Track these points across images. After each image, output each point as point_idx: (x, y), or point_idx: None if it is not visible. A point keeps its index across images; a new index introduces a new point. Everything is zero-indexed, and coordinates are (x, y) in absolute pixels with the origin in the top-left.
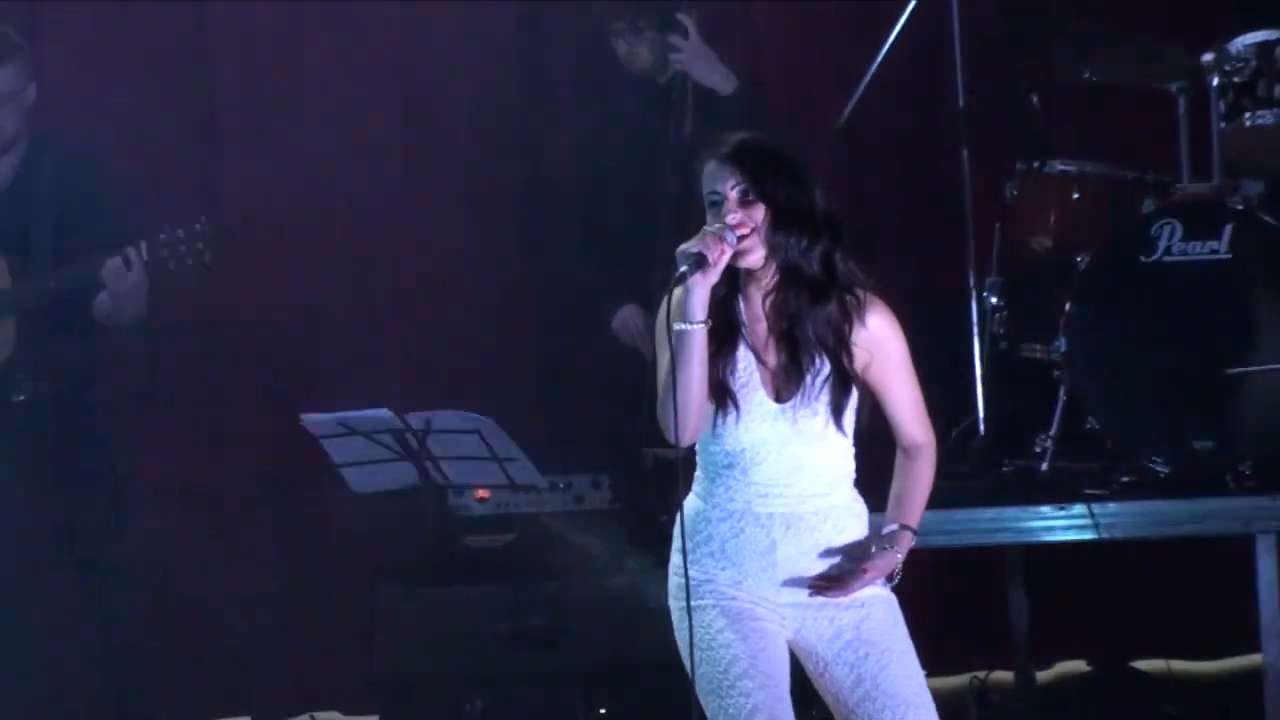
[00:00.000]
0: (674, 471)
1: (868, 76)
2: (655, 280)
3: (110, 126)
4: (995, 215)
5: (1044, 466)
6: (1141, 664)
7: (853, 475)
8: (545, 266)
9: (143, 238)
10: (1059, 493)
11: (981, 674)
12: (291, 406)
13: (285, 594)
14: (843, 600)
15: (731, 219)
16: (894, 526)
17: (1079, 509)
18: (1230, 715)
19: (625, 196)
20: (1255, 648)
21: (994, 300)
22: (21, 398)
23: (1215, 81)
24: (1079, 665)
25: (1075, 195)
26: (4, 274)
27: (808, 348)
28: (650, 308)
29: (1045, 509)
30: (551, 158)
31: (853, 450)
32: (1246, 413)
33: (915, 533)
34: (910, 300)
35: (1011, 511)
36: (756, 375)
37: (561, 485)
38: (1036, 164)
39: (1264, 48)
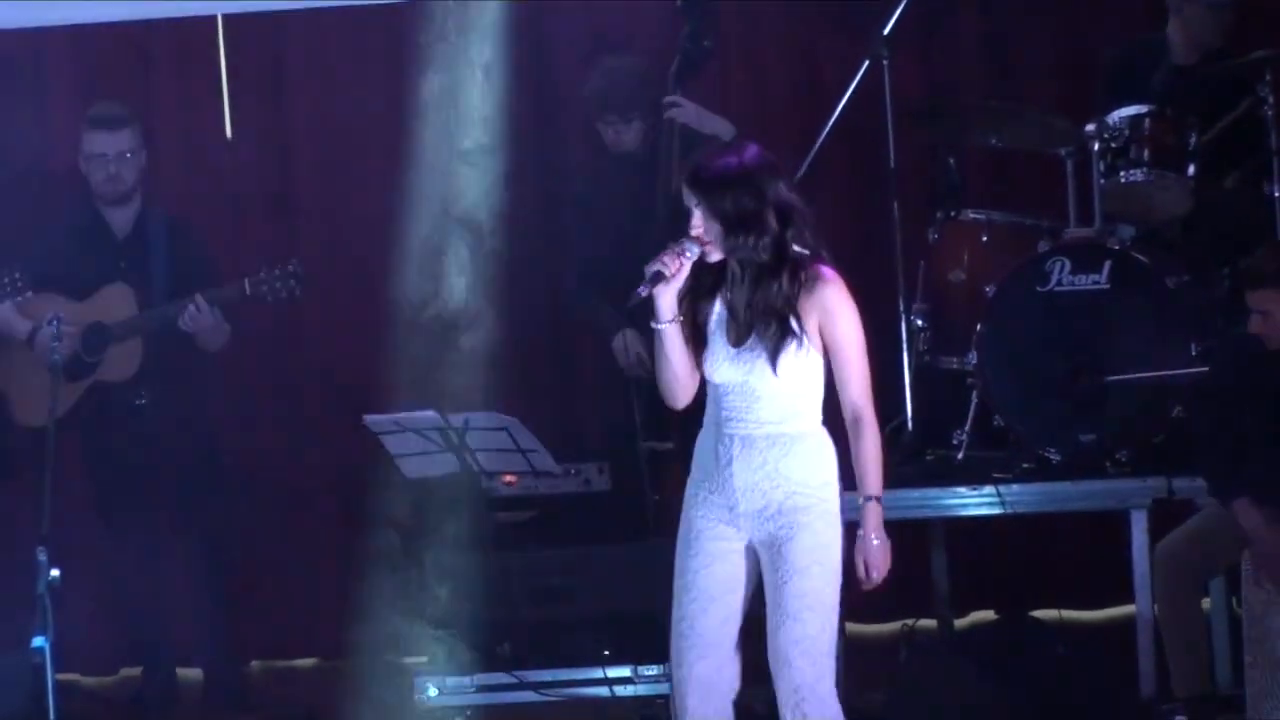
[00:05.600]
0: (667, 460)
1: (820, 140)
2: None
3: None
4: (920, 254)
5: (960, 456)
6: (1038, 613)
7: (809, 413)
8: (559, 300)
9: (224, 281)
10: (972, 476)
11: (910, 621)
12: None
13: (348, 559)
14: (784, 514)
15: (694, 231)
16: (860, 501)
17: (988, 489)
18: (1109, 653)
19: (620, 241)
20: (1129, 600)
21: (919, 322)
22: (143, 401)
23: (1096, 146)
24: (988, 614)
25: (984, 238)
26: (132, 303)
27: (759, 311)
28: (645, 333)
29: (961, 489)
30: (554, 211)
31: (810, 392)
32: (1122, 412)
33: (878, 499)
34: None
35: (934, 491)
36: (725, 324)
37: (573, 472)
38: (953, 213)
39: (1135, 120)
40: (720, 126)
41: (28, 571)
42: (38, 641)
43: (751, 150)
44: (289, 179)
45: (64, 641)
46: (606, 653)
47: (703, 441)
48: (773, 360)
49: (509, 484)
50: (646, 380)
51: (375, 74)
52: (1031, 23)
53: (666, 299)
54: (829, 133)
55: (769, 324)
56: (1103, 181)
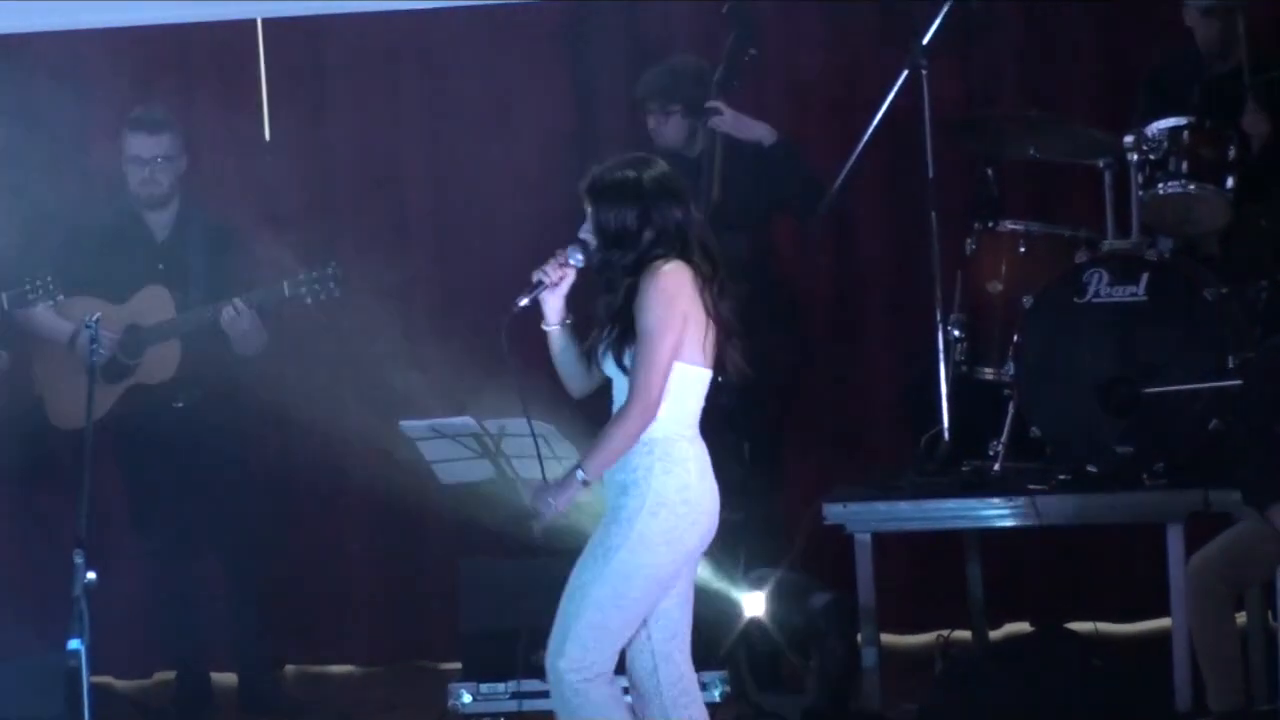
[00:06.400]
0: None
1: (858, 149)
2: None
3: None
4: (958, 264)
5: (996, 467)
6: (1073, 625)
7: (654, 428)
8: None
9: (263, 284)
10: (1008, 488)
11: (945, 632)
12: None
13: (386, 565)
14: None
15: (582, 235)
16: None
17: (1024, 501)
18: (1144, 666)
19: None
20: (1165, 613)
21: (956, 333)
22: (180, 404)
23: (1135, 158)
24: (1023, 626)
25: (1022, 249)
26: (170, 306)
27: (608, 312)
28: None
29: (997, 500)
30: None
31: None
32: (1159, 425)
33: (580, 471)
34: (892, 331)
35: (970, 502)
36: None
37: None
38: (991, 224)
39: (1174, 132)
40: (760, 132)
41: (64, 574)
42: (73, 644)
43: (654, 169)
44: (328, 182)
45: (99, 644)
46: None
47: None
48: (617, 358)
49: None
50: None
51: (412, 78)
52: (1071, 34)
53: (551, 304)
54: (867, 142)
55: (609, 327)
56: (1141, 193)
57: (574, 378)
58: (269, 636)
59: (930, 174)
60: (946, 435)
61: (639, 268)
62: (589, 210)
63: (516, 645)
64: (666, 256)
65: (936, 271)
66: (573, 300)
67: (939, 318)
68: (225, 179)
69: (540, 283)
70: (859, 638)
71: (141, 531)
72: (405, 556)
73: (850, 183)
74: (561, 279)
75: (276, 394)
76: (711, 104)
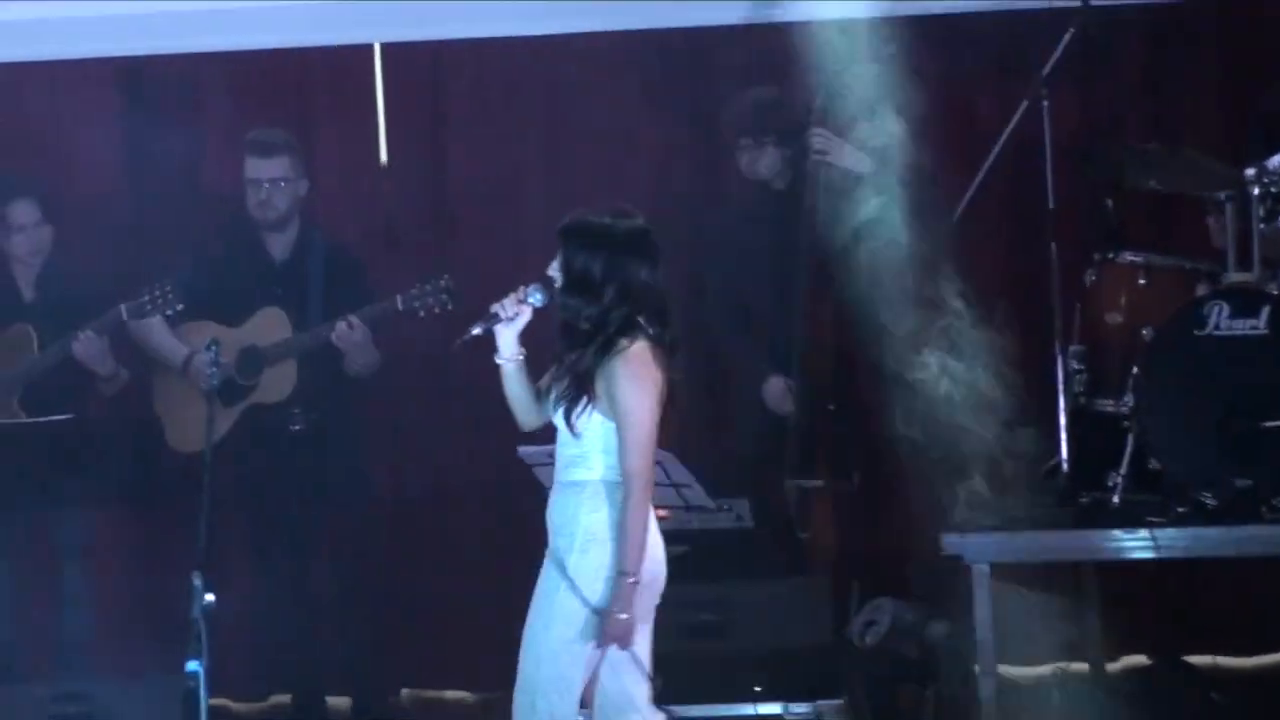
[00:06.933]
0: (814, 498)
1: (978, 180)
2: (794, 352)
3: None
4: (1077, 295)
5: (1115, 499)
6: (1192, 659)
7: (593, 467)
8: (704, 345)
9: (377, 299)
10: (1127, 520)
11: (1062, 665)
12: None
13: (503, 590)
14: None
15: (550, 272)
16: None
17: (1143, 533)
18: (1263, 700)
19: (761, 278)
20: None
21: (1075, 364)
22: (297, 428)
23: (1256, 191)
24: (1141, 659)
25: (1142, 280)
26: (287, 327)
27: (565, 367)
28: (789, 375)
29: (1116, 533)
30: (700, 252)
31: (593, 449)
32: (1279, 458)
33: (624, 574)
34: (1010, 363)
35: (1088, 534)
36: (552, 374)
37: (725, 507)
38: (1111, 255)
39: None
40: (860, 163)
41: (182, 596)
42: (192, 666)
43: (627, 224)
44: (445, 206)
45: (216, 666)
46: (757, 689)
47: None
48: (566, 415)
49: (662, 518)
50: (794, 418)
51: (532, 103)
52: (1193, 65)
53: (505, 338)
54: (987, 173)
55: (564, 381)
56: (1262, 226)
57: (524, 410)
58: (385, 661)
59: (1051, 204)
60: (1065, 467)
61: (603, 345)
62: (560, 250)
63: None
64: (629, 334)
65: (1056, 302)
66: (527, 335)
67: (1058, 349)
68: (342, 201)
69: (495, 315)
70: (976, 669)
71: (258, 554)
72: (523, 582)
73: (970, 213)
74: (517, 314)
75: (392, 416)
76: (818, 133)
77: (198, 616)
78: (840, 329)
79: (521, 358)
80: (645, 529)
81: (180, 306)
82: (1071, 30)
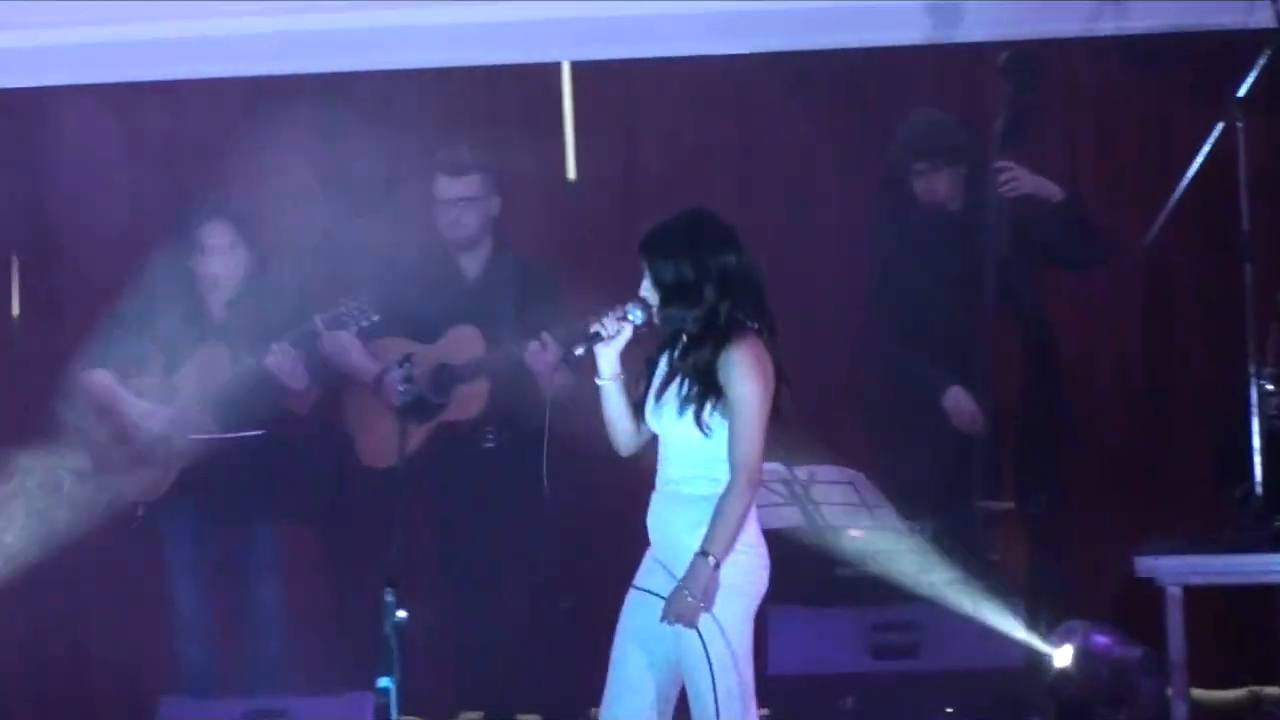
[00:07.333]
0: (1004, 521)
1: (1170, 204)
2: (979, 365)
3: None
4: (1272, 317)
5: None
6: None
7: (715, 478)
8: (881, 361)
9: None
10: None
11: (1256, 688)
12: None
13: None
14: (668, 571)
15: (642, 293)
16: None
17: None
18: None
19: (935, 299)
20: None
21: (1269, 386)
22: (490, 445)
23: None
24: None
25: None
26: (480, 345)
27: (680, 370)
28: (974, 392)
29: None
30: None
31: (716, 457)
32: None
33: (705, 554)
34: (1204, 386)
35: None
36: (658, 382)
37: (917, 528)
38: None
39: None
40: (1050, 189)
41: (373, 612)
42: (384, 682)
43: (703, 220)
44: (634, 224)
45: (406, 683)
46: (949, 710)
47: None
48: (696, 416)
49: (855, 539)
50: (981, 438)
51: (721, 121)
52: None
53: (606, 358)
54: (1180, 197)
55: (683, 383)
56: None
57: (623, 433)
58: (575, 678)
59: (1245, 226)
60: (1259, 490)
61: (717, 341)
62: (645, 268)
63: (825, 692)
64: (737, 325)
65: (1250, 325)
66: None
67: (1251, 371)
68: (531, 219)
69: (597, 334)
70: (1168, 691)
71: (448, 571)
72: None
73: (1163, 237)
74: (619, 332)
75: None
76: (1003, 164)
77: (389, 632)
78: (1026, 348)
79: (623, 379)
80: (742, 521)
81: (376, 317)
82: (1269, 52)
